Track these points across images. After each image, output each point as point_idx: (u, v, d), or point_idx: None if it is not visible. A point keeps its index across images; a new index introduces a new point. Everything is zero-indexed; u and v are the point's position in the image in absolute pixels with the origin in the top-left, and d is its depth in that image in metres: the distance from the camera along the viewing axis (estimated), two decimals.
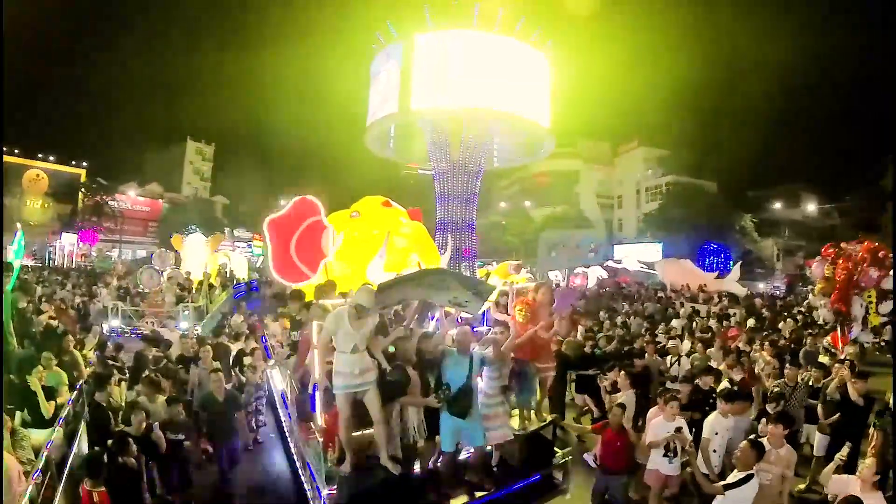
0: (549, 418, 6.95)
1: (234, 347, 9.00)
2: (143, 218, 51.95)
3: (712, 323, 14.23)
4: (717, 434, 6.10)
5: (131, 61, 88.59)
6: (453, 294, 5.70)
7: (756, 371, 8.55)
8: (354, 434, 5.18)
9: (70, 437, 6.27)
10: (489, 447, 5.79)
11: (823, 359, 9.63)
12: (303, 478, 5.97)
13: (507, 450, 6.03)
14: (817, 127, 58.88)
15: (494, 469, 5.91)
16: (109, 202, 47.56)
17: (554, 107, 20.49)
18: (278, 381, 7.71)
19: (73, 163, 48.46)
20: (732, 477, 4.93)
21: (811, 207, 43.97)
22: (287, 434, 6.76)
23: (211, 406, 6.83)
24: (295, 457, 6.55)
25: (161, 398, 6.75)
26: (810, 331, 11.97)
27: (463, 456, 5.72)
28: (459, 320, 6.59)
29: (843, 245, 12.50)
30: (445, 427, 5.36)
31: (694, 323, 14.64)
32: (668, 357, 9.78)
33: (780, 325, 14.10)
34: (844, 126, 56.65)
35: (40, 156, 46.11)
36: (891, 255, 11.64)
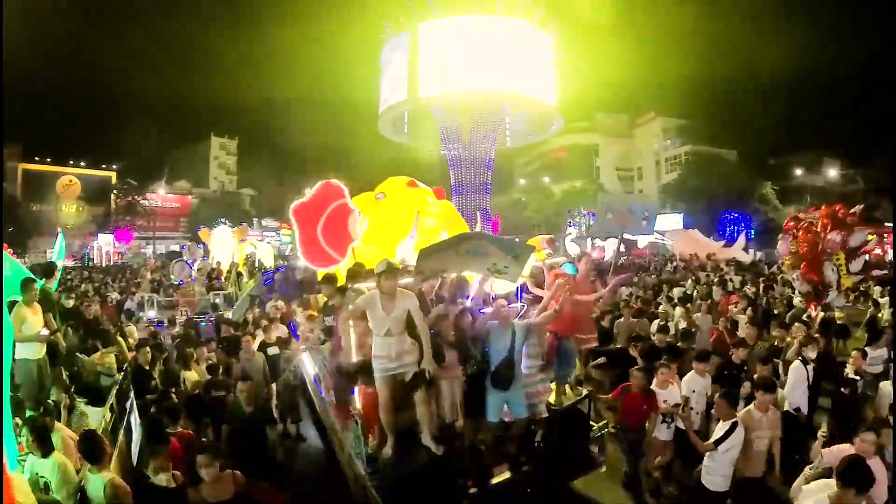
0: (584, 392, 6.83)
1: (261, 336, 9.19)
2: (173, 214, 53.30)
3: (715, 290, 14.43)
4: (694, 392, 6.40)
5: (150, 62, 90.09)
6: (492, 260, 5.54)
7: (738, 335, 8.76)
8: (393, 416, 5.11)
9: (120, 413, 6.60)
10: (532, 423, 5.73)
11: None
12: (341, 461, 5.92)
13: (545, 425, 5.93)
14: (839, 91, 56.75)
15: (537, 444, 5.81)
16: (141, 201, 49.28)
17: (567, 82, 20.65)
18: (309, 366, 7.66)
19: (103, 166, 49.99)
20: (719, 430, 5.21)
21: (833, 173, 42.64)
22: (322, 419, 6.71)
23: (236, 417, 6.16)
24: (332, 442, 6.51)
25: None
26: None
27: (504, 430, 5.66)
28: (494, 297, 6.47)
29: (800, 216, 12.51)
30: (490, 399, 5.32)
31: (695, 291, 14.95)
32: (656, 321, 10.09)
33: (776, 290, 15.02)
34: (867, 89, 54.30)
35: (71, 162, 47.65)
36: (850, 212, 11.42)
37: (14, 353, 6.26)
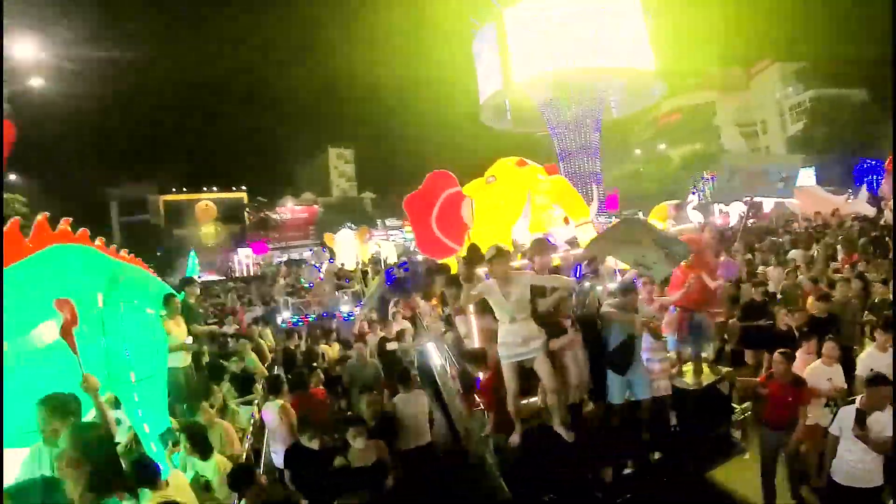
0: (724, 371, 6.20)
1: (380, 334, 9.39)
2: (302, 224, 57.11)
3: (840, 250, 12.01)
4: (871, 371, 5.08)
5: (264, 84, 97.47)
6: (643, 252, 5.28)
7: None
8: (523, 402, 5.03)
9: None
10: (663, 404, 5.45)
11: None
12: (469, 451, 5.82)
13: (679, 408, 5.57)
14: None
15: (673, 429, 5.50)
16: (271, 216, 53.42)
17: (669, 41, 19.24)
18: (434, 356, 7.65)
19: (234, 188, 55.23)
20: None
21: None
22: (449, 408, 6.66)
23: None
24: (458, 430, 6.43)
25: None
26: None
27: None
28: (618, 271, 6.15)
29: None
30: (612, 381, 5.13)
31: (815, 252, 12.60)
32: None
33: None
34: None
35: (205, 189, 53.29)
36: None
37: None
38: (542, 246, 5.61)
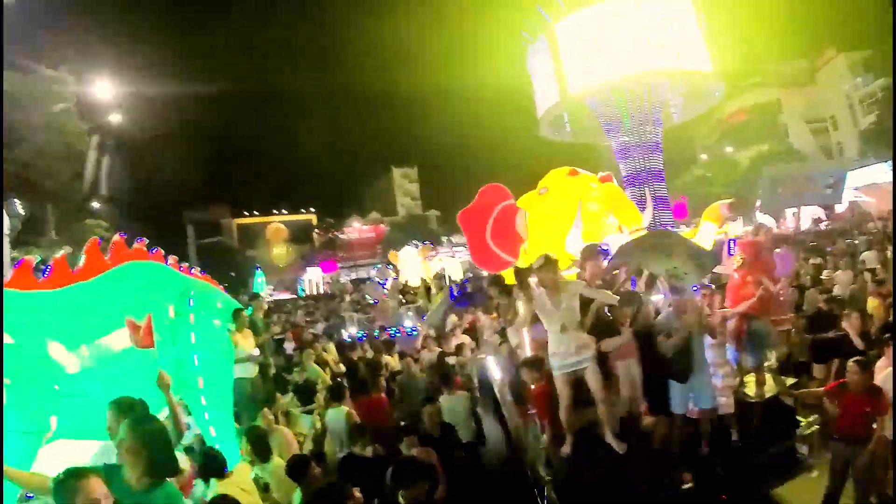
0: (789, 383, 5.89)
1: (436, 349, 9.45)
2: (370, 243, 58.37)
3: None
4: None
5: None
6: (674, 263, 5.22)
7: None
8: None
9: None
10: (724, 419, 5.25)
11: None
12: (525, 462, 5.79)
13: (740, 421, 5.32)
14: None
15: (734, 443, 5.25)
16: (340, 236, 55.05)
17: (728, 40, 18.64)
18: (493, 368, 7.68)
19: (303, 210, 57.43)
20: None
21: None
22: (507, 419, 6.65)
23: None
24: (514, 441, 6.41)
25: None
26: None
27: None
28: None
29: None
30: (673, 390, 4.99)
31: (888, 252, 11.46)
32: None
33: None
34: None
35: (275, 211, 55.67)
36: None
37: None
38: (592, 253, 5.59)
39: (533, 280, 5.55)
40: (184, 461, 4.43)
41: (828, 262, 11.45)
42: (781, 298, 6.24)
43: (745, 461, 5.03)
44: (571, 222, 7.73)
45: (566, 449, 4.87)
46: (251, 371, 7.29)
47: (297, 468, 4.47)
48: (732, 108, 47.47)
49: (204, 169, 79.59)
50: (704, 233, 7.47)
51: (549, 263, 4.74)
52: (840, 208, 24.26)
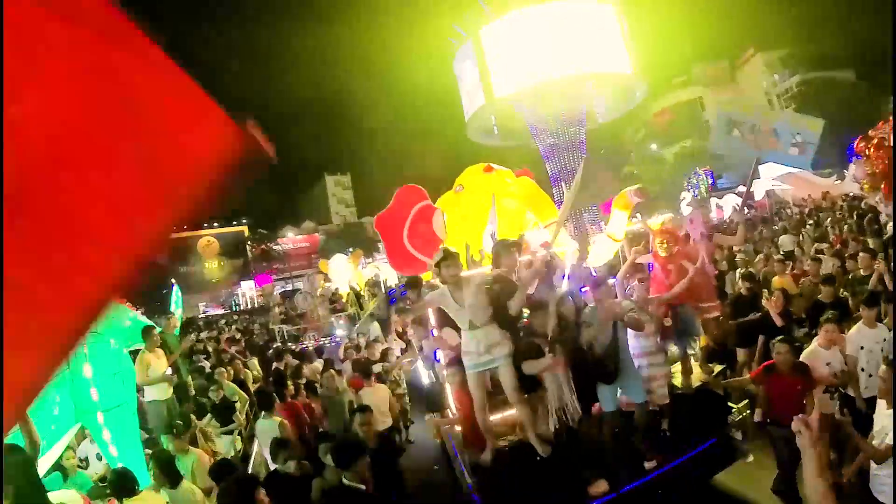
0: (716, 370, 5.95)
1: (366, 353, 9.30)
2: (305, 253, 57.08)
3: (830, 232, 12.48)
4: (862, 349, 5.06)
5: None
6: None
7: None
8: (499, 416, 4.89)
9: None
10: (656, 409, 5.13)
11: None
12: (455, 470, 5.61)
13: (674, 412, 5.23)
14: None
15: (665, 434, 5.17)
16: (274, 247, 53.42)
17: (651, 42, 19.66)
18: (423, 374, 7.52)
19: (235, 223, 55.63)
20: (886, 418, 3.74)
21: None
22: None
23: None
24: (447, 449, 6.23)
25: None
26: None
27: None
28: (595, 273, 5.92)
29: (870, 133, 11.16)
30: (601, 389, 4.79)
31: (801, 236, 13.16)
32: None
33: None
34: None
35: (206, 225, 53.65)
36: None
37: (144, 396, 6.87)
38: (505, 248, 5.41)
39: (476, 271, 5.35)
40: (74, 496, 4.25)
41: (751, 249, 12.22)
42: (707, 275, 6.20)
43: (680, 453, 4.85)
44: (487, 218, 7.66)
45: (486, 455, 4.65)
46: (165, 393, 6.97)
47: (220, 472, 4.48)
48: (658, 108, 49.68)
49: None
50: (615, 221, 7.51)
51: (448, 258, 4.46)
52: (758, 196, 25.70)
